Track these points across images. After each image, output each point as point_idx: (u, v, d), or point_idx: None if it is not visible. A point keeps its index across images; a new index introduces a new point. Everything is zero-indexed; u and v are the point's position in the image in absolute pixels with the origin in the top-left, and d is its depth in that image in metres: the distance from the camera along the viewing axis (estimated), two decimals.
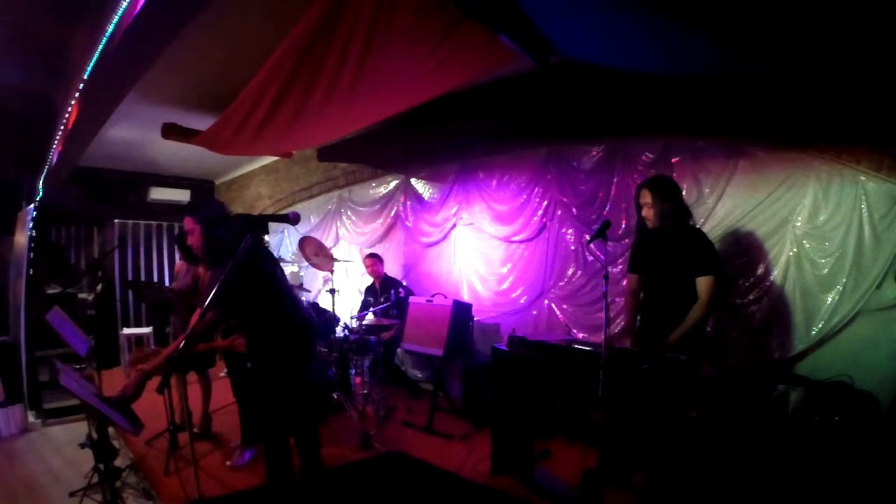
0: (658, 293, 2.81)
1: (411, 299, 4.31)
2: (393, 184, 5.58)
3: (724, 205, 3.24)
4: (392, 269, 5.38)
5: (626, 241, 3.58)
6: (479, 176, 4.74)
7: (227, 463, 3.22)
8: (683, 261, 2.67)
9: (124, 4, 2.47)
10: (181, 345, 2.12)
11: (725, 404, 2.63)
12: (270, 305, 2.47)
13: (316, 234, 5.94)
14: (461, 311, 4.07)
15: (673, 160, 3.45)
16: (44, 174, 5.68)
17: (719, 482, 2.32)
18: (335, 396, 4.14)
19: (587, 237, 3.51)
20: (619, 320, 3.48)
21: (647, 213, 2.75)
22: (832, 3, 1.78)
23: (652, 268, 2.84)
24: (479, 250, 4.80)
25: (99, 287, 5.45)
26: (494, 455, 3.04)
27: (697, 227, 3.03)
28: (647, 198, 2.74)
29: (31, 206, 5.17)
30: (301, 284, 5.57)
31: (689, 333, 2.60)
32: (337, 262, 4.85)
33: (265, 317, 2.48)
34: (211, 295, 1.95)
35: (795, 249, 2.95)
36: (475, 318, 4.37)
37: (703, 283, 2.63)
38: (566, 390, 2.96)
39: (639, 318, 2.94)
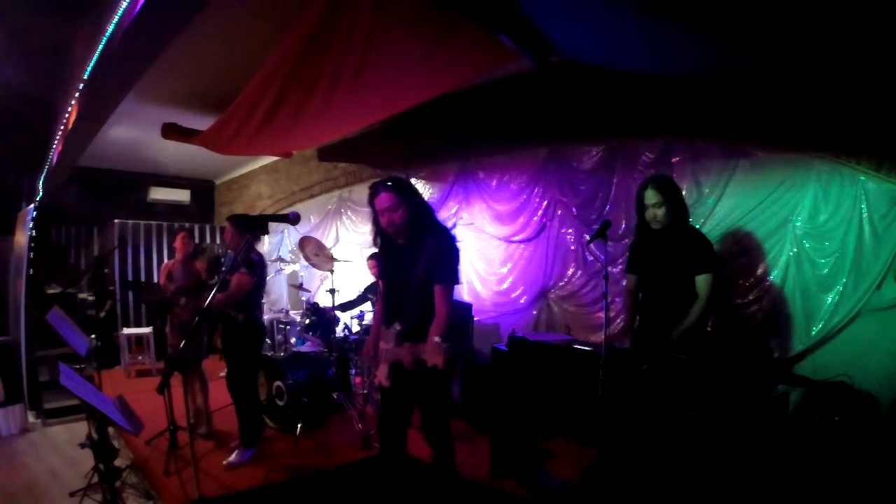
0: (657, 292, 2.81)
1: None
2: None
3: (724, 205, 3.24)
4: None
5: (626, 241, 3.58)
6: (479, 176, 4.74)
7: (224, 462, 3.22)
8: (682, 260, 2.68)
9: (124, 4, 2.47)
10: None
11: (725, 404, 2.63)
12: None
13: (316, 234, 5.93)
14: (461, 311, 4.07)
15: (673, 160, 3.45)
16: (44, 174, 5.68)
17: (719, 482, 2.32)
18: (335, 396, 4.15)
19: (587, 237, 3.52)
20: (618, 320, 3.48)
21: (654, 212, 2.71)
22: (832, 3, 1.78)
23: (651, 267, 2.84)
24: (479, 250, 4.80)
25: (108, 305, 5.44)
26: (494, 455, 3.04)
27: (696, 226, 3.03)
28: (654, 198, 2.70)
29: (31, 206, 5.16)
30: (301, 284, 5.56)
31: (689, 332, 2.61)
32: (337, 261, 4.85)
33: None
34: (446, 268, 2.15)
35: (795, 249, 2.95)
36: (475, 318, 4.37)
37: (702, 282, 2.63)
38: (566, 390, 2.96)
39: (638, 317, 2.94)
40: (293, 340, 5.09)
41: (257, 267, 3.35)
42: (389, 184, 2.23)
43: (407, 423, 2.35)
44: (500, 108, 4.06)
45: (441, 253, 2.19)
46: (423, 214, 2.27)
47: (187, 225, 7.33)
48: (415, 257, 2.19)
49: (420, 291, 2.17)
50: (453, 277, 2.20)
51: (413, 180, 5.33)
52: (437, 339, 2.00)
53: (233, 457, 3.26)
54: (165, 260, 7.58)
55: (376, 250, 2.50)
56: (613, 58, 2.70)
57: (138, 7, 2.33)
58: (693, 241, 2.71)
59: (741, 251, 3.15)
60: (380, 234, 2.35)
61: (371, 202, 2.28)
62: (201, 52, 3.43)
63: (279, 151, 5.73)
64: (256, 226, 2.22)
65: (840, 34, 1.98)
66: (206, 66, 3.70)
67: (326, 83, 2.78)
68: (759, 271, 3.09)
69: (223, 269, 3.85)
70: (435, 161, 5.06)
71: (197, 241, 7.55)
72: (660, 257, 2.76)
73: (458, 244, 2.29)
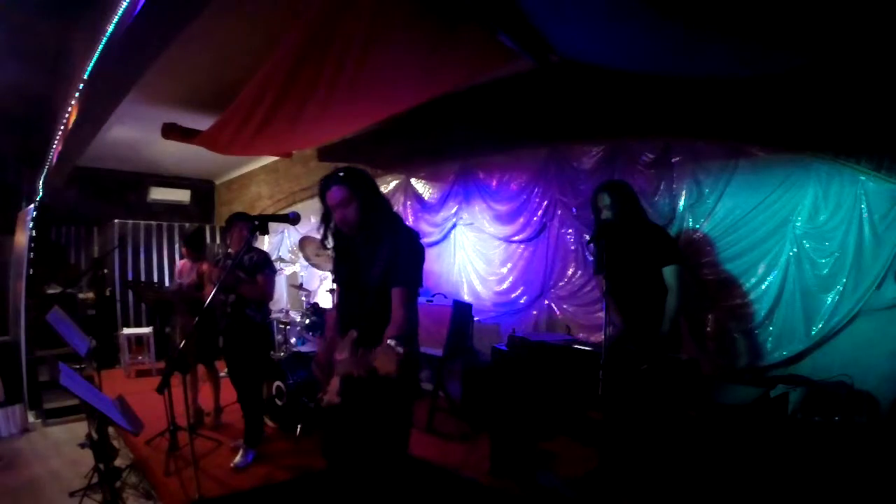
0: (627, 288, 2.87)
1: None
2: (393, 184, 5.57)
3: (724, 205, 3.24)
4: None
5: None
6: (479, 176, 4.73)
7: (231, 465, 3.22)
8: (646, 254, 2.76)
9: (124, 4, 2.47)
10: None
11: (726, 404, 2.63)
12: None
13: (316, 234, 5.93)
14: (461, 311, 4.07)
15: (673, 160, 3.45)
16: (44, 174, 5.68)
17: (719, 481, 2.32)
18: None
19: (587, 237, 3.52)
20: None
21: (606, 214, 2.84)
22: (832, 4, 1.78)
23: (618, 265, 2.87)
24: (479, 250, 4.80)
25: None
26: (494, 455, 3.04)
27: (655, 223, 3.07)
28: (605, 201, 2.83)
29: (31, 206, 5.16)
30: (301, 284, 5.56)
31: (674, 323, 2.71)
32: None
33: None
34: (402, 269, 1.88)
35: (795, 249, 2.95)
36: (475, 318, 4.37)
37: (669, 273, 2.73)
38: (566, 390, 2.96)
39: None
40: (293, 340, 5.08)
41: (273, 265, 3.49)
42: (342, 174, 1.96)
43: (359, 446, 2.04)
44: (500, 108, 4.06)
45: (400, 253, 1.94)
46: (379, 209, 2.01)
47: (187, 225, 7.33)
48: (371, 257, 1.96)
49: (377, 296, 1.93)
50: (415, 280, 1.96)
51: (413, 180, 5.33)
52: (390, 341, 1.73)
53: (239, 459, 3.26)
54: (165, 260, 7.66)
55: None
56: (613, 58, 2.70)
57: (138, 8, 2.33)
58: (654, 236, 2.81)
59: (741, 251, 3.15)
60: (334, 233, 2.08)
61: (322, 197, 2.01)
62: (201, 52, 3.42)
63: (279, 151, 5.73)
64: (263, 226, 2.21)
65: (840, 34, 1.98)
66: (206, 66, 3.70)
67: (326, 83, 2.78)
68: (760, 271, 3.09)
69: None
70: (435, 161, 5.06)
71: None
72: (625, 255, 2.81)
73: (420, 242, 2.06)
